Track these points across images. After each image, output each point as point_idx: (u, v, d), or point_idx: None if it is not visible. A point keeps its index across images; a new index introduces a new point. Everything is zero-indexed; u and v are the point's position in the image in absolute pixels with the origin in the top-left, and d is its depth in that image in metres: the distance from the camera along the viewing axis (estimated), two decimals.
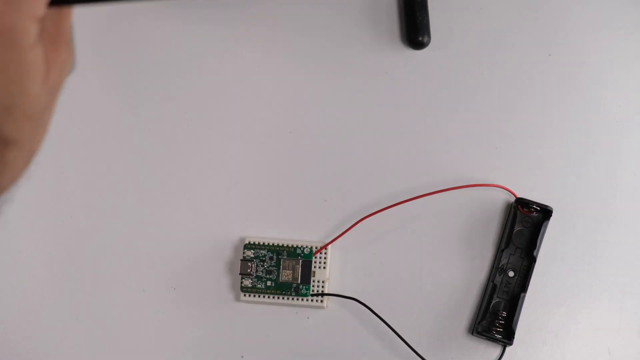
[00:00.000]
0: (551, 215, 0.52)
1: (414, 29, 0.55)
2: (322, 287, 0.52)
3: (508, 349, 0.52)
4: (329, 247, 0.53)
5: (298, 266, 0.52)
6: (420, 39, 0.55)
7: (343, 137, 0.55)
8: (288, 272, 0.52)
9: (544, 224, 0.52)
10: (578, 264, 0.53)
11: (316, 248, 0.52)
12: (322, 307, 0.52)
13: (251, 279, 0.52)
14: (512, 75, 0.56)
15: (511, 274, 0.52)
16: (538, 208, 0.52)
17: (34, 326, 0.51)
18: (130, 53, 0.57)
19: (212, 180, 0.55)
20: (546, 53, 0.56)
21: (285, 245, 0.52)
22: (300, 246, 0.52)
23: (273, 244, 0.52)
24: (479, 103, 0.55)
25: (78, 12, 0.57)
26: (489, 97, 0.56)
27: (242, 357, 0.52)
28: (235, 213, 0.54)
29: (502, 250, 0.52)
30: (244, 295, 0.52)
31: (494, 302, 0.52)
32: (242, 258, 0.52)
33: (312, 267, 0.52)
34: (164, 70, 0.56)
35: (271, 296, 0.52)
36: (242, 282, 0.52)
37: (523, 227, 0.52)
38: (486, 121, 0.55)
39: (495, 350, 0.52)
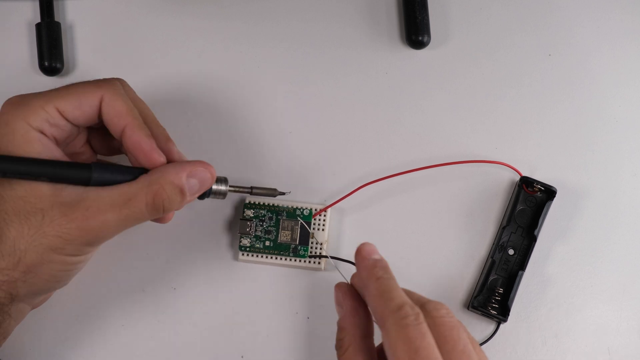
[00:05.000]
0: (555, 196, 0.52)
1: (414, 28, 0.55)
2: (320, 249, 0.52)
3: (508, 348, 0.52)
4: (329, 210, 0.53)
5: (297, 227, 0.52)
6: (420, 38, 0.55)
7: (343, 137, 0.55)
8: (287, 232, 0.52)
9: (547, 204, 0.52)
10: (578, 264, 0.53)
11: (316, 210, 0.53)
12: (319, 269, 0.52)
13: (250, 238, 0.52)
14: (512, 75, 0.56)
15: (511, 252, 0.52)
16: (542, 188, 0.52)
17: (33, 326, 0.51)
18: (130, 52, 0.57)
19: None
20: (546, 53, 0.56)
21: (285, 206, 0.53)
22: (300, 207, 0.52)
23: (273, 204, 0.53)
24: (479, 103, 0.56)
25: (77, 13, 0.57)
26: (489, 97, 0.56)
27: (242, 357, 0.52)
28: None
29: (504, 228, 0.53)
30: (242, 254, 0.52)
31: (491, 278, 0.52)
32: (241, 217, 0.52)
33: (311, 228, 0.52)
34: (163, 69, 0.56)
35: (269, 256, 0.52)
36: (240, 241, 0.52)
37: (526, 207, 0.53)
38: (485, 121, 0.55)
39: (490, 326, 0.52)
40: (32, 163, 0.41)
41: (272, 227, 0.52)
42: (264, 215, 0.52)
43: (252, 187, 0.50)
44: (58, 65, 0.55)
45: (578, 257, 0.53)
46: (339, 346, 0.43)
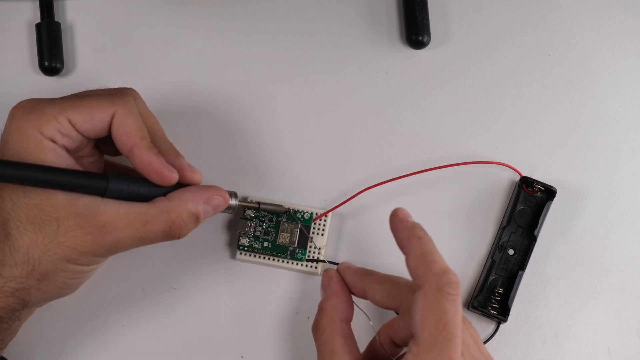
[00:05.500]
0: (555, 196, 0.52)
1: (414, 28, 0.55)
2: (319, 253, 0.52)
3: (508, 348, 0.52)
4: (330, 214, 0.53)
5: (296, 230, 0.52)
6: (420, 38, 0.55)
7: (343, 137, 0.55)
8: (286, 235, 0.52)
9: (547, 204, 0.52)
10: (578, 264, 0.53)
11: (317, 214, 0.52)
12: (316, 274, 0.52)
13: (248, 238, 0.52)
14: (512, 75, 0.56)
15: (511, 252, 0.52)
16: (542, 188, 0.52)
17: (33, 326, 0.51)
18: (130, 52, 0.57)
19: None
20: (546, 53, 0.56)
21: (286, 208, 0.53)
22: (300, 210, 0.52)
23: None
24: (479, 103, 0.56)
25: (77, 13, 0.57)
26: (489, 97, 0.56)
27: (242, 357, 0.52)
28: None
29: (504, 228, 0.53)
30: (240, 253, 0.52)
31: (491, 278, 0.52)
32: (242, 216, 0.52)
33: (311, 232, 0.52)
34: (163, 69, 0.56)
35: (266, 257, 0.52)
36: (239, 240, 0.52)
37: (526, 207, 0.53)
38: (485, 121, 0.55)
39: (490, 326, 0.52)
40: (50, 172, 0.41)
41: (271, 228, 0.52)
42: (265, 216, 0.52)
43: (259, 203, 0.51)
44: (58, 65, 0.55)
45: (578, 257, 0.53)
46: (317, 327, 0.45)
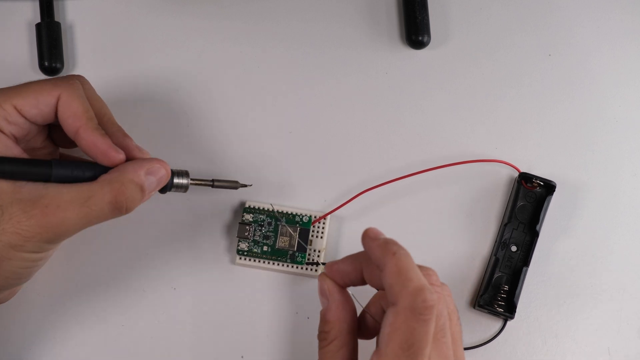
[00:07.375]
0: (554, 190, 0.52)
1: (414, 28, 0.55)
2: (318, 256, 0.52)
3: (508, 348, 0.52)
4: (328, 217, 0.53)
5: (295, 234, 0.52)
6: (420, 38, 0.55)
7: (343, 137, 0.55)
8: (285, 238, 0.52)
9: (547, 198, 0.52)
10: (578, 264, 0.53)
11: (315, 217, 0.52)
12: (316, 276, 0.52)
13: (248, 243, 0.52)
14: (512, 75, 0.56)
15: (514, 248, 0.52)
16: (541, 183, 0.52)
17: (33, 326, 0.51)
18: (130, 53, 0.57)
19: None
20: (546, 53, 0.56)
21: (284, 212, 0.52)
22: (299, 214, 0.52)
23: (273, 210, 0.53)
24: (479, 103, 0.56)
25: (77, 13, 0.57)
26: (489, 97, 0.56)
27: (242, 357, 0.52)
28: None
29: (505, 225, 0.53)
30: (240, 258, 0.52)
31: (496, 276, 0.52)
32: (240, 221, 0.52)
33: (310, 235, 0.52)
34: (163, 69, 0.56)
35: (266, 261, 0.52)
36: (238, 245, 0.52)
37: (526, 202, 0.53)
38: (485, 121, 0.55)
39: (497, 323, 0.52)
40: None
41: (270, 232, 0.52)
42: (263, 220, 0.52)
43: (213, 180, 0.50)
44: (58, 65, 0.55)
45: (578, 257, 0.53)
46: (324, 338, 0.44)
